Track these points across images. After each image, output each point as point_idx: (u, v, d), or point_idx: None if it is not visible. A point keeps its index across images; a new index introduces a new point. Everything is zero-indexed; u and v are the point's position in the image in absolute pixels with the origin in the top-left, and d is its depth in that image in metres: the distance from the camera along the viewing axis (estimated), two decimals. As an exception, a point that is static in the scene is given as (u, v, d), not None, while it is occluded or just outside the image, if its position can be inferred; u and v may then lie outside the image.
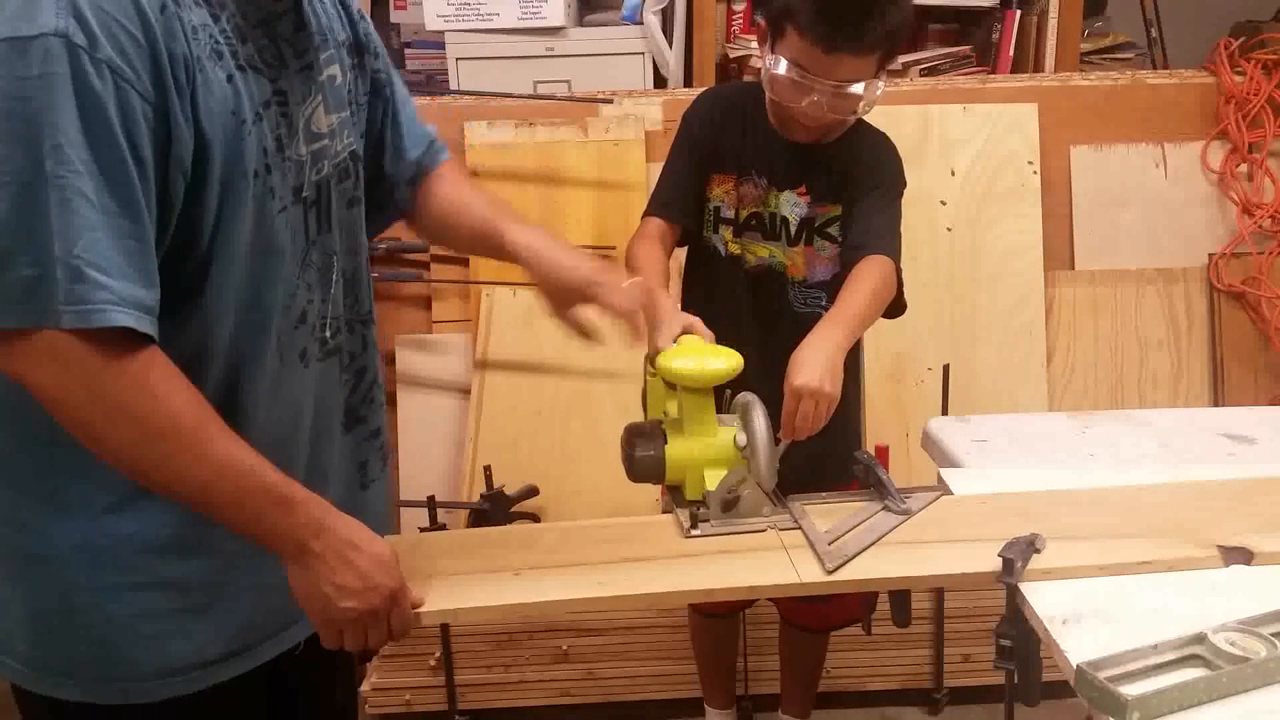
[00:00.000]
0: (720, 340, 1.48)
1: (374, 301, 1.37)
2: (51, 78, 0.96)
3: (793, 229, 1.88)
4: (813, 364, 1.52)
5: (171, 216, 1.06)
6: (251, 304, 1.13)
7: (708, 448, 1.41)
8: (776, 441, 1.39)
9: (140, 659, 1.17)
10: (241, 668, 1.24)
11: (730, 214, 1.90)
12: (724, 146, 1.88)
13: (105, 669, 1.17)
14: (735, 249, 1.91)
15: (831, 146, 1.85)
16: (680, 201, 1.89)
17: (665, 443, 1.42)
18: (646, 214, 1.91)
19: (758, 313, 1.92)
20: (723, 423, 1.42)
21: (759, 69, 2.78)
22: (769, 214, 1.88)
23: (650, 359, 1.49)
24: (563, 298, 1.39)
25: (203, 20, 1.06)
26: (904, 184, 1.92)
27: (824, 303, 1.90)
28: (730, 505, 1.38)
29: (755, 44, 2.83)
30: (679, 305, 1.65)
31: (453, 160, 1.51)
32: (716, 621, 2.29)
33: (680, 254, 1.97)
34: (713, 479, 1.38)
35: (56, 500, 1.13)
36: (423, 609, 1.22)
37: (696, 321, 1.51)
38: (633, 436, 1.44)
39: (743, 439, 1.38)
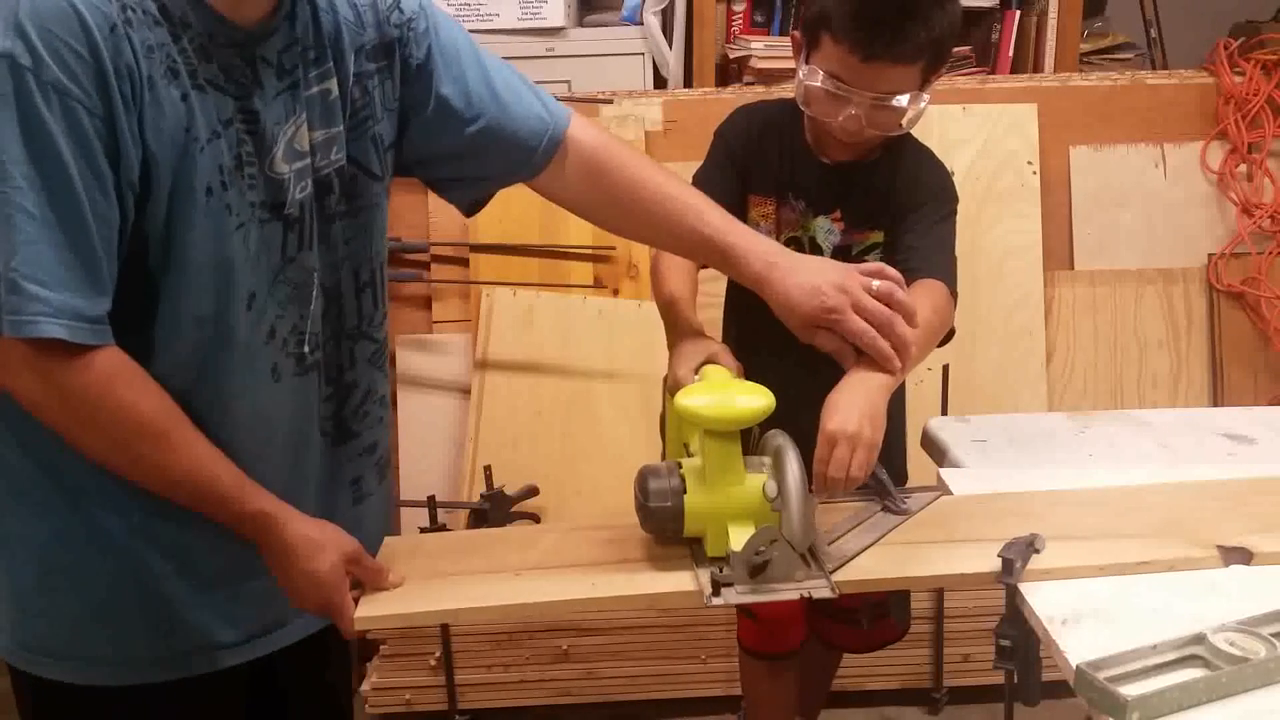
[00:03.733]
0: (757, 373, 1.33)
1: (380, 314, 1.35)
2: None
3: (826, 256, 1.76)
4: (849, 406, 1.34)
5: (126, 228, 1.08)
6: (212, 318, 1.15)
7: (732, 499, 1.22)
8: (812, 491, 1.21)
9: (141, 642, 1.21)
10: (242, 657, 1.27)
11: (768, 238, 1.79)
12: (762, 166, 1.77)
13: (94, 651, 1.20)
14: None
15: (869, 167, 1.75)
16: None
17: (684, 491, 1.23)
18: None
19: (798, 344, 1.83)
20: (750, 467, 1.24)
21: (759, 69, 2.81)
22: (807, 239, 1.78)
23: (670, 389, 1.37)
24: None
25: (160, 40, 1.07)
26: (955, 199, 1.79)
27: None
28: (758, 569, 1.19)
29: (755, 44, 2.83)
30: (703, 329, 1.52)
31: (590, 129, 1.42)
32: (769, 664, 2.02)
33: (714, 289, 1.83)
34: (738, 537, 1.19)
35: (68, 485, 1.16)
36: (404, 610, 1.23)
37: (721, 349, 1.39)
38: (647, 481, 1.24)
39: (773, 489, 1.20)
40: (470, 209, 1.45)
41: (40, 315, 1.02)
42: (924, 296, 1.55)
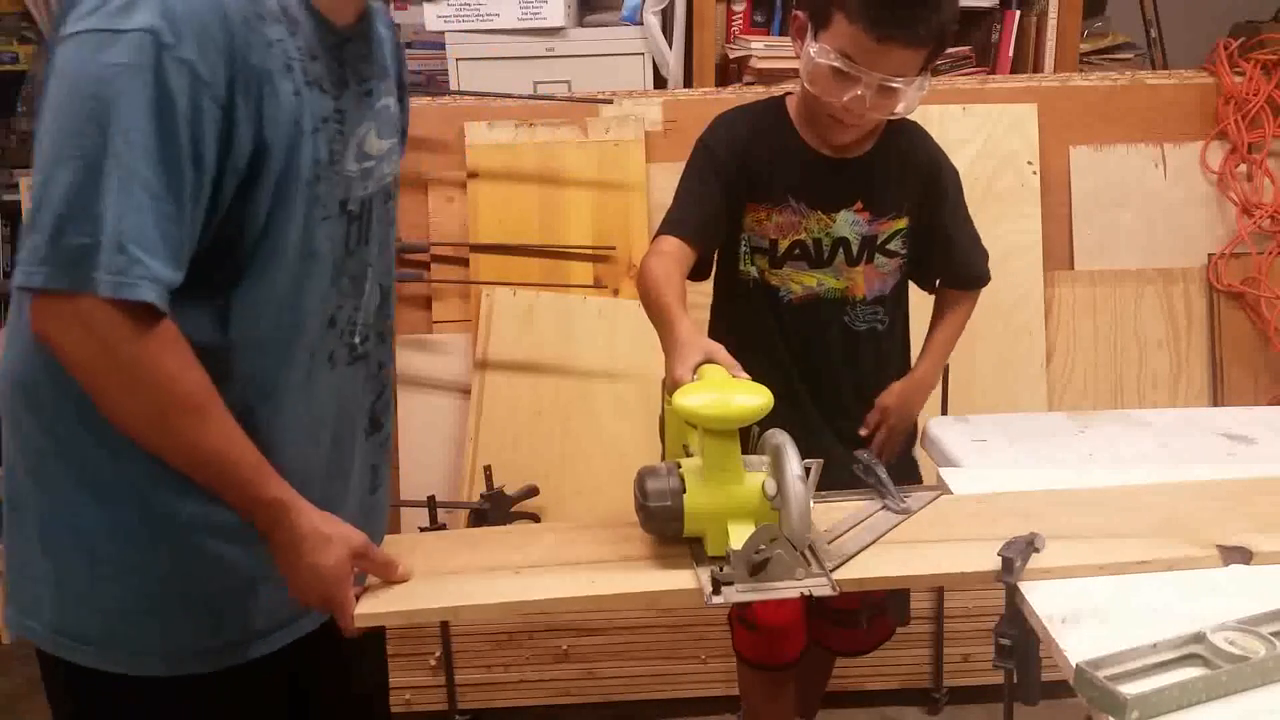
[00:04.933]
0: (760, 377, 1.33)
1: (393, 313, 1.43)
2: (135, 68, 1.04)
3: (854, 249, 1.80)
4: (903, 407, 1.91)
5: (219, 212, 1.13)
6: (291, 302, 1.21)
7: (731, 498, 1.22)
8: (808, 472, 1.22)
9: (188, 634, 1.23)
10: (268, 648, 1.29)
11: (764, 244, 1.80)
12: (754, 171, 1.77)
13: (140, 642, 1.22)
14: (774, 280, 1.82)
15: (879, 154, 1.77)
16: (703, 226, 1.75)
17: (683, 490, 1.24)
18: (661, 232, 1.75)
19: (805, 343, 1.84)
20: (750, 466, 1.24)
21: (759, 69, 2.81)
22: (813, 240, 1.79)
23: (668, 388, 1.37)
24: None
25: (279, 36, 1.14)
26: (956, 171, 1.91)
27: (881, 316, 1.87)
28: (759, 568, 1.20)
29: (755, 44, 2.83)
30: (698, 330, 1.53)
31: None
32: (769, 676, 2.02)
33: (704, 287, 1.86)
34: (738, 536, 1.20)
35: (131, 478, 1.18)
36: (404, 608, 1.23)
37: (718, 349, 1.39)
38: (646, 482, 1.25)
39: (772, 487, 1.21)
40: None
41: (141, 279, 1.05)
42: (969, 304, 1.98)
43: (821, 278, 1.82)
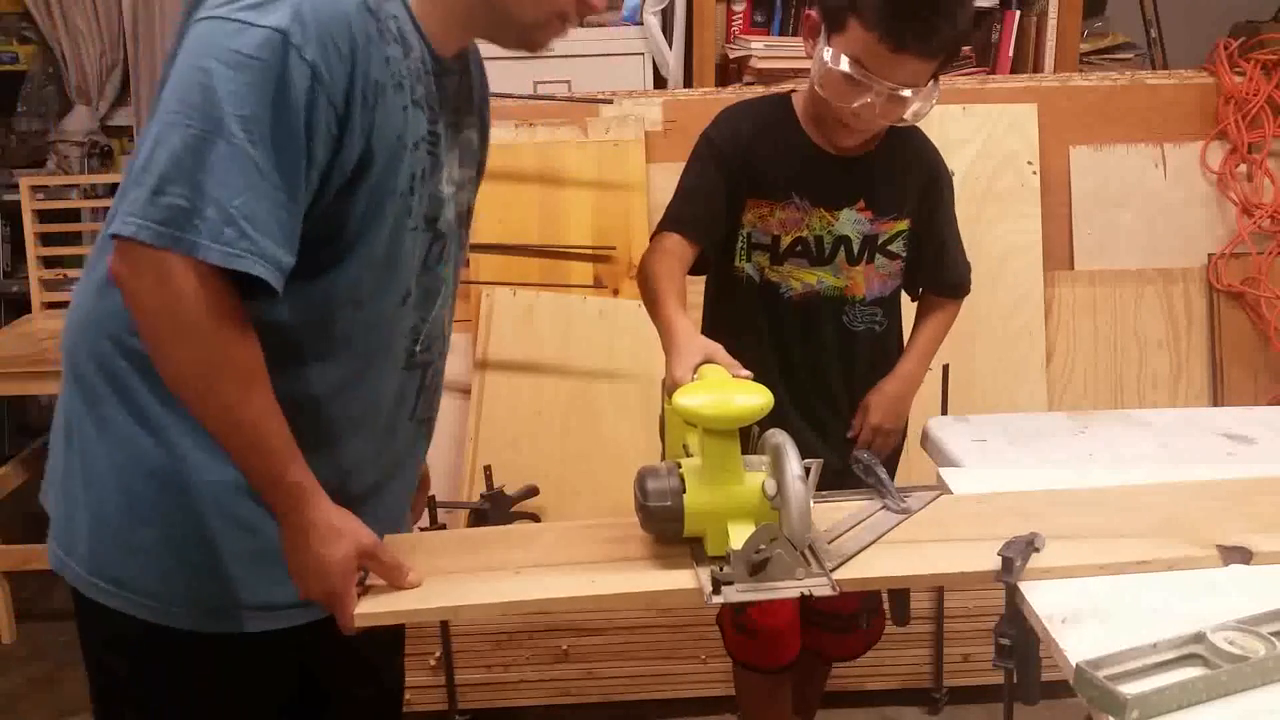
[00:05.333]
0: (755, 375, 1.33)
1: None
2: (267, 62, 1.09)
3: (855, 248, 1.80)
4: (895, 404, 1.90)
5: (318, 209, 1.17)
6: (369, 303, 1.25)
7: (731, 498, 1.22)
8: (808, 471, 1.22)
9: (208, 588, 1.26)
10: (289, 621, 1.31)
11: (766, 240, 1.79)
12: (758, 167, 1.76)
13: (168, 593, 1.26)
14: (774, 277, 1.81)
15: (883, 155, 1.78)
16: (704, 222, 1.75)
17: (683, 490, 1.23)
18: (661, 229, 1.75)
19: (801, 341, 1.84)
20: (750, 466, 1.24)
21: (759, 69, 2.81)
22: (814, 237, 1.79)
23: (667, 389, 1.37)
24: None
25: (395, 54, 1.19)
26: (951, 176, 1.92)
27: (879, 318, 1.88)
28: (758, 568, 1.19)
29: (755, 44, 2.83)
30: (698, 330, 1.54)
31: None
32: (766, 678, 2.02)
33: (698, 282, 1.85)
34: (738, 535, 1.19)
35: (171, 424, 1.22)
36: (403, 607, 1.23)
37: (718, 349, 1.39)
38: (646, 481, 1.25)
39: (772, 487, 1.20)
40: None
41: (249, 253, 1.10)
42: (954, 310, 1.97)
43: (822, 275, 1.82)
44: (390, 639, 1.55)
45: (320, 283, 1.21)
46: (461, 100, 1.35)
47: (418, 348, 1.36)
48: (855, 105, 1.63)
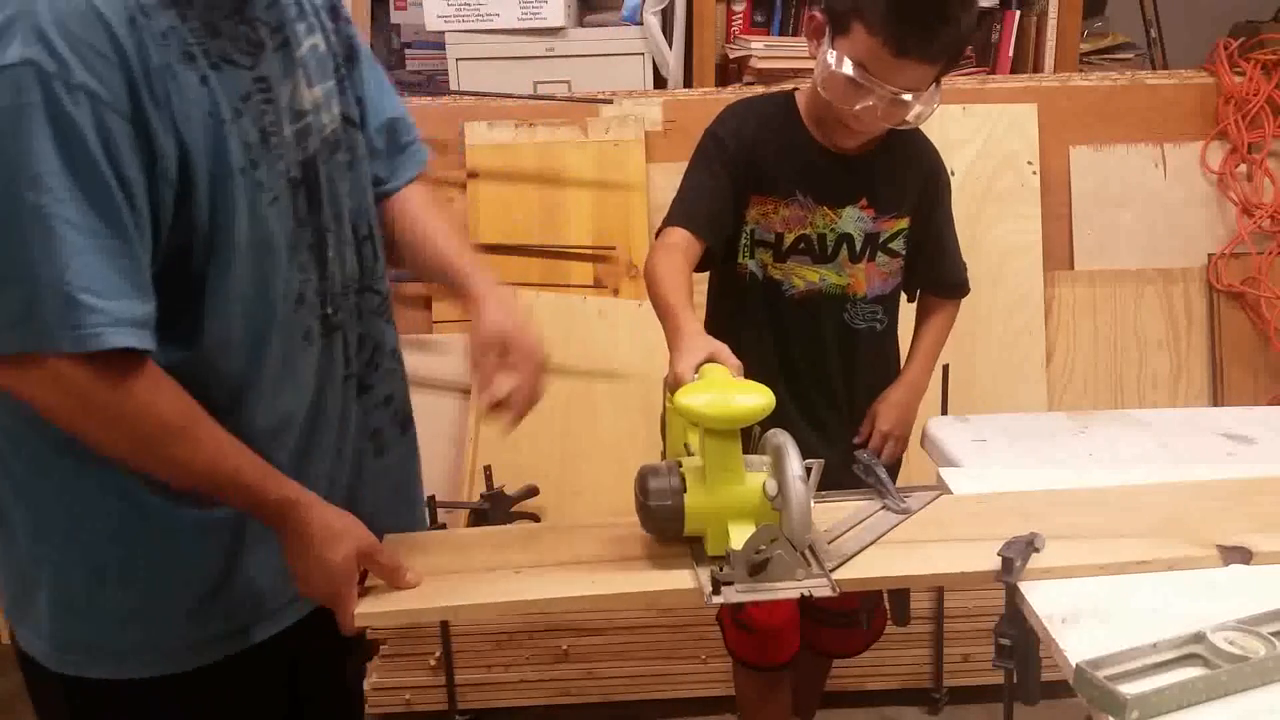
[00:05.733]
0: (755, 372, 1.33)
1: (380, 265, 1.36)
2: (25, 108, 0.97)
3: (858, 245, 1.81)
4: (904, 412, 1.92)
5: (163, 227, 1.07)
6: (256, 295, 1.16)
7: (732, 498, 1.21)
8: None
9: (181, 630, 1.22)
10: (244, 643, 1.27)
11: (769, 237, 1.80)
12: (762, 165, 1.77)
13: (132, 643, 1.21)
14: (776, 274, 1.82)
15: (884, 154, 1.78)
16: (710, 218, 1.74)
17: (684, 489, 1.23)
18: (668, 224, 1.74)
19: (802, 338, 1.84)
20: (751, 466, 1.23)
21: (759, 69, 2.81)
22: (817, 235, 1.79)
23: (670, 387, 1.36)
24: (479, 345, 1.33)
25: (171, 23, 1.05)
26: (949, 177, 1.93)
27: (879, 316, 1.88)
28: (758, 568, 1.19)
29: (755, 44, 2.83)
30: (702, 328, 1.53)
31: (423, 178, 1.46)
32: (765, 676, 2.03)
33: (700, 279, 1.84)
34: (738, 535, 1.19)
35: (122, 482, 1.16)
36: (403, 607, 1.22)
37: (722, 349, 1.38)
38: (647, 480, 1.24)
39: (773, 487, 1.19)
40: None
41: (104, 326, 1.01)
42: (953, 311, 1.98)
43: (824, 273, 1.82)
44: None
45: (204, 298, 1.12)
46: (278, 13, 1.18)
47: (329, 309, 1.25)
48: (858, 108, 1.64)
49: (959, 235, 1.97)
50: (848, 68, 1.61)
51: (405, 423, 1.45)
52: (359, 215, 1.31)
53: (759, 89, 2.74)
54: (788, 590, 1.20)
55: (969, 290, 1.99)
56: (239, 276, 1.13)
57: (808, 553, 1.24)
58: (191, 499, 1.17)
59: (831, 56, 1.63)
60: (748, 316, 1.85)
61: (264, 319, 1.17)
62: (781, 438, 1.23)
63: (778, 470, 1.21)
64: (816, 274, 1.82)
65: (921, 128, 1.81)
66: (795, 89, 1.86)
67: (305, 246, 1.21)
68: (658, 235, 1.76)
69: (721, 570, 1.20)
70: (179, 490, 1.16)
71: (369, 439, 1.37)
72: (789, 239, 1.80)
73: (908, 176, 1.83)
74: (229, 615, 1.24)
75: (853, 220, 1.80)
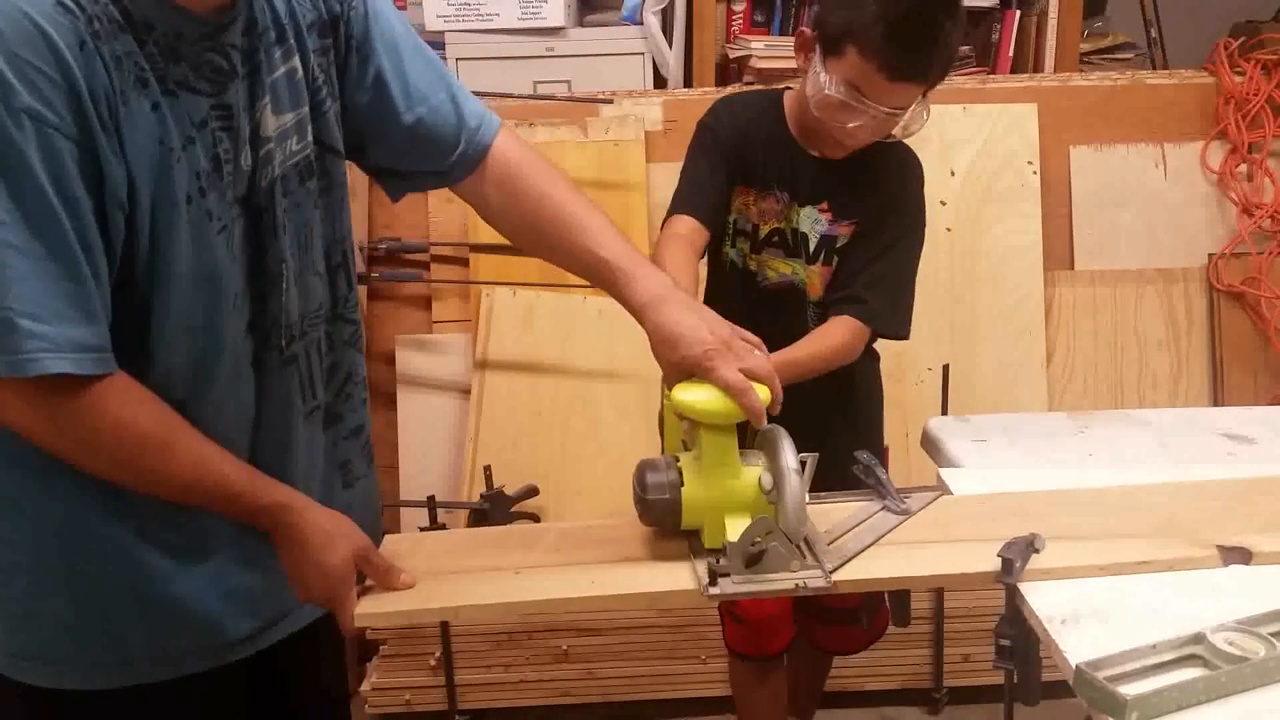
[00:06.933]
0: None
1: (354, 294, 1.34)
2: None
3: (812, 246, 1.82)
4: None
5: (116, 249, 1.06)
6: (203, 326, 1.14)
7: (728, 491, 1.24)
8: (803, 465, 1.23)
9: (139, 643, 1.20)
10: (244, 651, 1.26)
11: (748, 228, 1.83)
12: (748, 157, 1.81)
13: (97, 654, 1.19)
14: (752, 264, 1.84)
15: (857, 162, 1.78)
16: (709, 205, 1.78)
17: (681, 483, 1.25)
18: (675, 211, 1.78)
19: (773, 329, 1.75)
20: (746, 460, 1.26)
21: (759, 69, 2.81)
22: (790, 230, 1.82)
23: (667, 383, 1.38)
24: (674, 366, 1.28)
25: (127, 48, 1.03)
26: (923, 222, 1.84)
27: None
28: (754, 560, 1.21)
29: (755, 44, 2.83)
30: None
31: (514, 141, 1.40)
32: (757, 667, 2.05)
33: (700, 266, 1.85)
34: (734, 528, 1.22)
35: (61, 493, 1.14)
36: (403, 608, 1.22)
37: None
38: (645, 474, 1.27)
39: (768, 481, 1.23)
40: (395, 198, 1.45)
41: (40, 352, 1.01)
42: (838, 332, 1.75)
43: (795, 267, 1.85)
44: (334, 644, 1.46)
45: (148, 325, 1.11)
46: (258, 39, 1.16)
47: (283, 341, 1.22)
48: (849, 126, 1.67)
49: (959, 235, 1.95)
50: (841, 90, 1.63)
51: (370, 455, 1.43)
52: (331, 243, 1.29)
53: (759, 89, 2.74)
54: (783, 581, 1.22)
55: (887, 332, 1.84)
56: (184, 306, 1.12)
57: (803, 545, 1.25)
58: (134, 516, 1.15)
59: (824, 78, 1.65)
60: (728, 305, 1.81)
61: (211, 348, 1.16)
62: (776, 432, 1.25)
63: (773, 464, 1.23)
64: (789, 267, 1.85)
65: (922, 134, 1.79)
66: (786, 88, 1.88)
67: (263, 274, 1.19)
68: (663, 225, 1.79)
69: (718, 563, 1.22)
70: (123, 506, 1.14)
71: (338, 469, 1.36)
72: (764, 230, 1.83)
73: (872, 186, 1.81)
74: (153, 639, 1.21)
75: (809, 220, 1.82)
